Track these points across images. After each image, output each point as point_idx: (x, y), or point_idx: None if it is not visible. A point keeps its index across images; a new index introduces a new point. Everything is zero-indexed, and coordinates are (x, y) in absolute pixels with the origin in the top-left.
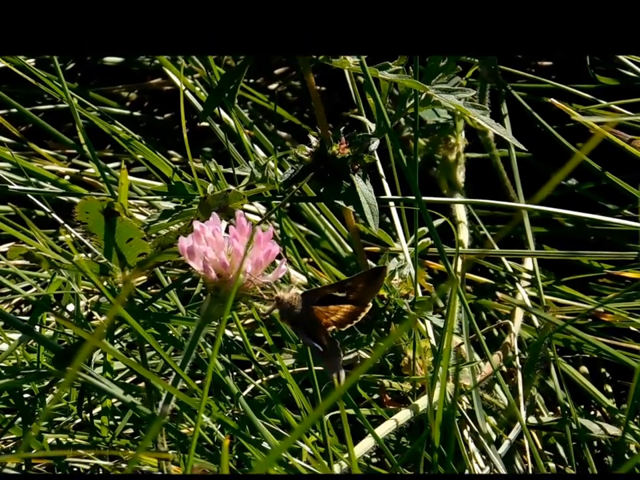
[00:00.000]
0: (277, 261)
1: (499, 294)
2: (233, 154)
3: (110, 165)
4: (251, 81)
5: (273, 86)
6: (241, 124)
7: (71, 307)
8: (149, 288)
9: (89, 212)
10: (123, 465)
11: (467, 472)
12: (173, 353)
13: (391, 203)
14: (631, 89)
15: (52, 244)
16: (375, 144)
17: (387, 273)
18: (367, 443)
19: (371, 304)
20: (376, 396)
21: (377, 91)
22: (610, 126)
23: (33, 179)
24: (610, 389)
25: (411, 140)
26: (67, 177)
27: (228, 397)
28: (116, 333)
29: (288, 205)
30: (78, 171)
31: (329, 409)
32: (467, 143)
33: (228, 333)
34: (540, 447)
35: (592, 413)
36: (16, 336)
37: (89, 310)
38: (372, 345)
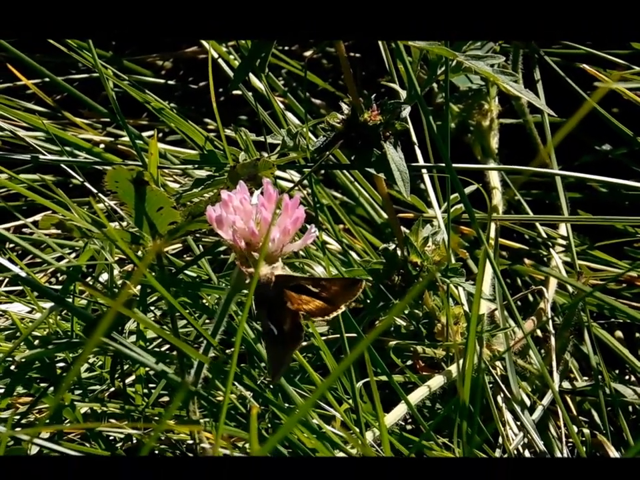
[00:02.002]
0: (308, 226)
1: (526, 260)
2: (266, 121)
3: (145, 134)
4: (286, 48)
5: (307, 53)
6: (274, 92)
7: (105, 276)
8: (184, 256)
9: (118, 181)
10: None
11: (500, 439)
12: (207, 321)
13: (424, 170)
14: None
15: (84, 213)
16: (406, 111)
17: (362, 286)
18: (400, 410)
19: (344, 307)
20: (409, 362)
21: (408, 58)
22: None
23: (67, 148)
24: None
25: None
26: (102, 146)
27: (263, 365)
28: (150, 301)
29: (322, 172)
30: (113, 139)
31: (361, 377)
32: (500, 108)
33: None
34: (574, 412)
35: (626, 377)
36: (49, 305)
37: (123, 279)
38: (406, 312)
